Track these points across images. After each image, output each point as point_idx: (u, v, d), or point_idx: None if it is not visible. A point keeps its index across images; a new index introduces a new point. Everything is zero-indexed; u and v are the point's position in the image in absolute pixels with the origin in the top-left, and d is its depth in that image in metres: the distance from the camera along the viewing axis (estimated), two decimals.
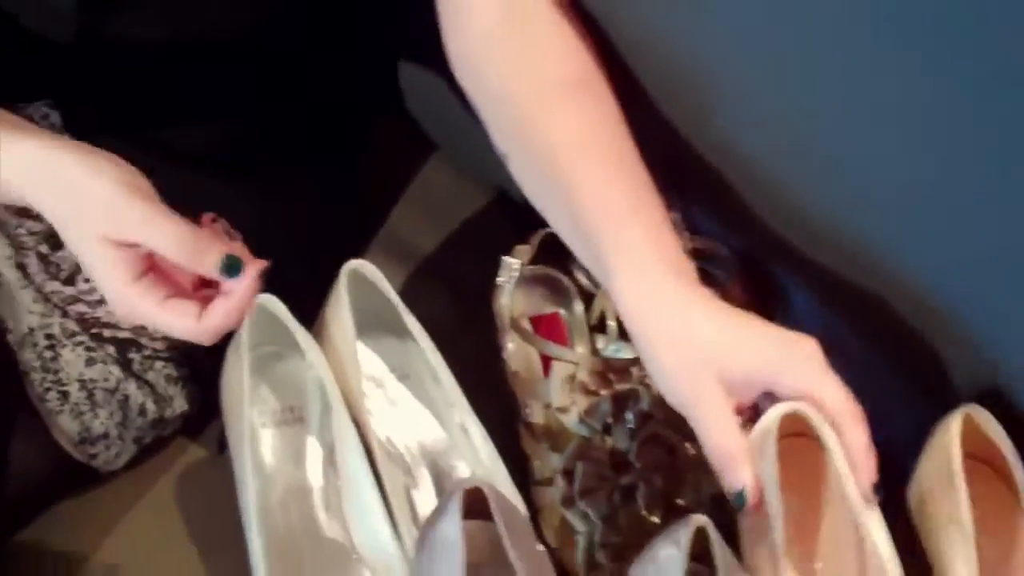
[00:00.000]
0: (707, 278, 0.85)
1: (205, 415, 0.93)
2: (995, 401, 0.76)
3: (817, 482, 0.78)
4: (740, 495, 0.73)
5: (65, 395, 0.87)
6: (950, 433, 0.75)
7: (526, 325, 0.94)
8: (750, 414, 0.76)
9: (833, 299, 0.86)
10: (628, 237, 0.76)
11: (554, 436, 0.85)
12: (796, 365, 0.73)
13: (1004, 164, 0.68)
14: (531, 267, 0.94)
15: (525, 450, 0.87)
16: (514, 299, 0.93)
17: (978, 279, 0.75)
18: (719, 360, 0.73)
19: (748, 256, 0.90)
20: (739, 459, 0.73)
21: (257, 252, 0.84)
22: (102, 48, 0.95)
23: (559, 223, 0.81)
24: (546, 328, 0.95)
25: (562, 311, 0.96)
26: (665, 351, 0.74)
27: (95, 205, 0.77)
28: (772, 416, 0.74)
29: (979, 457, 0.78)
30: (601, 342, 0.90)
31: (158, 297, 0.79)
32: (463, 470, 0.87)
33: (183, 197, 0.82)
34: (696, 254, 0.87)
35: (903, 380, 0.85)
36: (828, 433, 0.74)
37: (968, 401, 0.77)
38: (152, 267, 0.79)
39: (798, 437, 0.77)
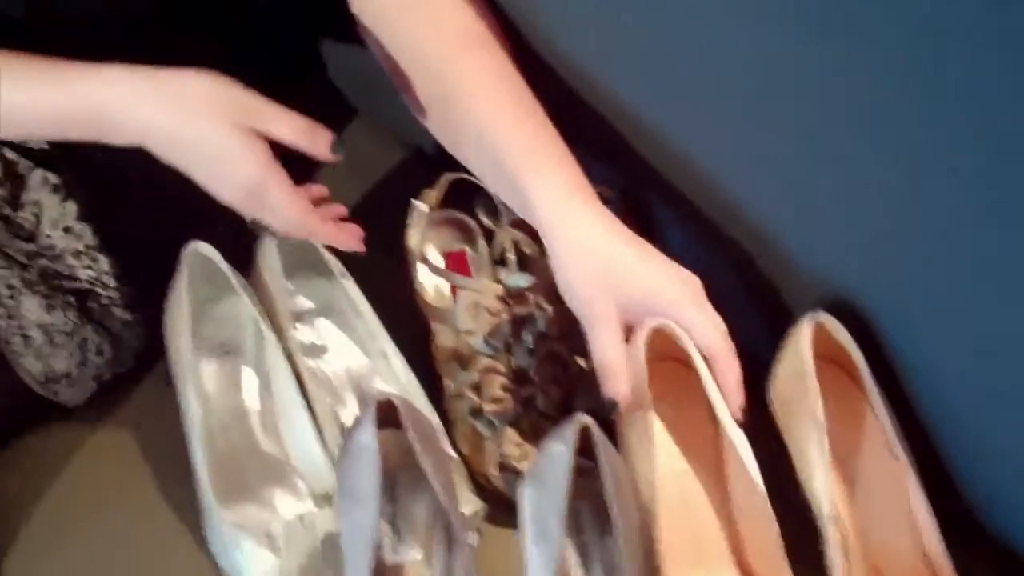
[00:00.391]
0: None
1: (157, 353, 1.00)
2: (840, 311, 0.86)
3: (692, 397, 0.88)
4: (614, 403, 0.84)
5: (27, 339, 0.94)
6: (802, 337, 0.85)
7: (436, 260, 1.03)
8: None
9: (704, 237, 0.95)
10: (544, 167, 0.86)
11: (462, 356, 0.94)
12: (681, 299, 0.84)
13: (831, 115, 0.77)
14: (440, 211, 1.03)
15: (438, 370, 0.96)
16: (425, 238, 1.02)
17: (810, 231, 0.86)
18: (617, 280, 0.83)
19: (631, 194, 0.99)
20: (619, 373, 0.83)
21: (189, 208, 0.94)
22: (52, 23, 0.99)
23: (479, 164, 0.90)
24: (454, 263, 1.04)
25: (468, 248, 1.05)
26: (574, 265, 0.84)
27: (220, 98, 0.86)
28: (646, 328, 0.85)
29: (828, 358, 0.87)
30: (503, 274, 0.99)
31: (286, 179, 0.88)
32: (383, 389, 0.96)
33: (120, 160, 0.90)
34: None
35: (757, 305, 0.95)
36: (694, 351, 0.84)
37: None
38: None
39: (674, 361, 0.88)
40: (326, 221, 0.92)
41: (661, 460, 0.87)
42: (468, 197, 1.03)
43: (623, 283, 0.84)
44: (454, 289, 1.00)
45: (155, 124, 0.86)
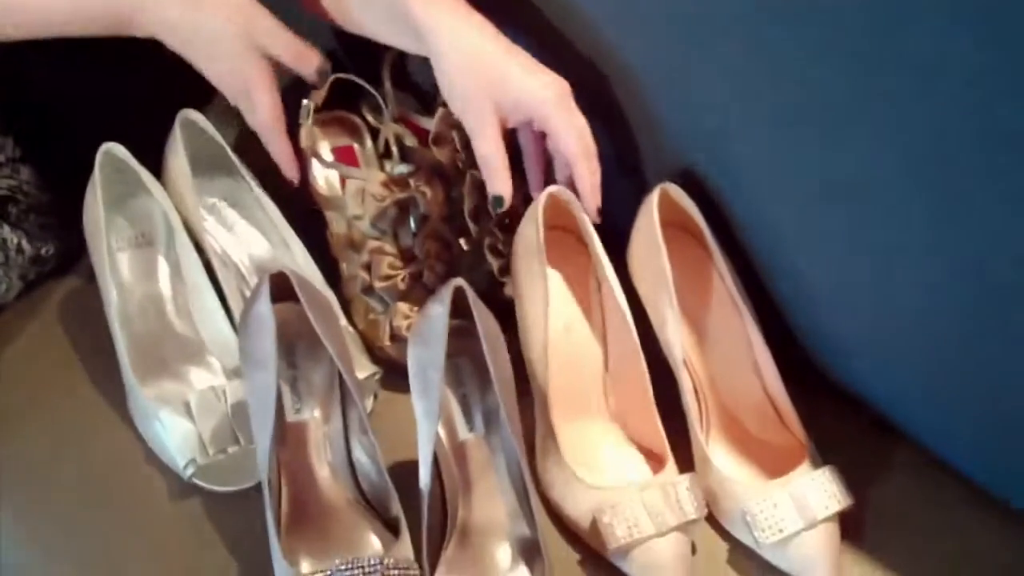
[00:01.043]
0: None
1: (79, 253, 1.07)
2: (685, 180, 0.95)
3: (578, 263, 1.00)
4: (499, 199, 0.94)
5: None
6: (652, 204, 0.94)
7: (326, 155, 1.12)
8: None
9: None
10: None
11: (354, 241, 1.02)
12: (550, 100, 0.92)
13: None
14: (329, 112, 1.12)
15: (334, 255, 1.05)
16: (316, 135, 1.11)
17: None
18: (497, 82, 0.92)
19: None
20: (502, 169, 0.94)
21: (100, 110, 1.01)
22: None
23: (376, 23, 0.99)
24: (342, 156, 1.13)
25: (355, 144, 1.14)
26: (459, 71, 0.93)
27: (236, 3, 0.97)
28: (543, 194, 0.96)
29: (677, 224, 0.96)
30: (388, 166, 1.08)
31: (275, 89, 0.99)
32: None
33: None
34: None
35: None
36: (583, 217, 0.95)
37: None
38: None
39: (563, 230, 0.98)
40: (287, 142, 1.02)
41: (553, 317, 0.96)
42: (354, 98, 1.12)
43: (502, 85, 0.92)
44: (343, 180, 1.08)
45: (179, 25, 0.97)
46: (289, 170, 1.03)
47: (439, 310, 0.87)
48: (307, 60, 1.01)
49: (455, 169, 1.01)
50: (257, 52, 0.98)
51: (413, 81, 1.14)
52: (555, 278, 0.99)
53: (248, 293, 1.03)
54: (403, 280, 1.00)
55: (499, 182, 0.94)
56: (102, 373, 1.01)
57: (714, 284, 0.97)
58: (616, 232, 0.98)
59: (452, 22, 0.93)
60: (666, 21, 0.88)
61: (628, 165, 1.01)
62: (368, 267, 1.01)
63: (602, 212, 0.95)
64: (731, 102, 0.87)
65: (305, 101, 1.04)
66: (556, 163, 0.97)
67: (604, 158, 0.95)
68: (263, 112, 1.00)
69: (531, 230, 0.95)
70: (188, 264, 1.02)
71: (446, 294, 0.87)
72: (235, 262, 1.05)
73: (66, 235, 1.08)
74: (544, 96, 0.92)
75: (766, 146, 0.86)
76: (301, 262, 1.03)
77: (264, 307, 0.87)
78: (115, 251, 1.03)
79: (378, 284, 1.00)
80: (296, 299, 0.88)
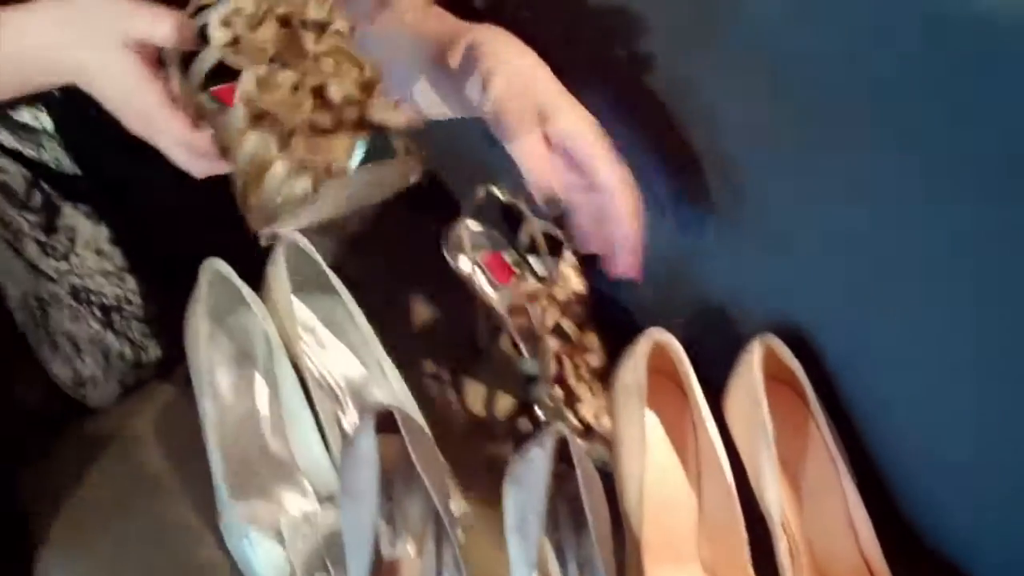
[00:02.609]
0: None
1: (177, 360, 1.07)
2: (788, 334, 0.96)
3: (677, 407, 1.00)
4: (556, 199, 0.91)
5: (55, 346, 1.03)
6: (753, 358, 0.95)
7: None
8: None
9: None
10: (466, 26, 0.94)
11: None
12: (598, 134, 0.91)
13: None
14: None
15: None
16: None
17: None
18: (547, 112, 0.90)
19: None
20: (549, 172, 0.91)
21: (204, 225, 1.01)
22: None
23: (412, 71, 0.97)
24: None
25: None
26: (511, 98, 0.90)
27: (106, 13, 0.85)
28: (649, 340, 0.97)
29: (777, 376, 0.97)
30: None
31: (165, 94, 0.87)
32: (380, 398, 1.05)
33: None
34: None
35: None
36: (686, 363, 0.95)
37: None
38: None
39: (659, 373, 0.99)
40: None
41: (650, 462, 0.96)
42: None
43: (552, 112, 0.91)
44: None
45: (78, 58, 0.87)
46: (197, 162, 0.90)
47: (541, 455, 0.88)
48: (166, 22, 0.85)
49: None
50: (135, 53, 0.86)
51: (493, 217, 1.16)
52: (651, 420, 1.00)
53: (342, 416, 1.04)
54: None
55: (549, 186, 0.90)
56: (194, 482, 1.01)
57: (811, 439, 0.97)
58: (707, 371, 0.98)
59: (506, 47, 0.92)
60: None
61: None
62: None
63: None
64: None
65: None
66: (582, 203, 0.94)
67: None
68: (172, 125, 0.87)
69: (631, 374, 0.96)
70: (285, 384, 1.02)
71: (549, 440, 0.88)
72: (330, 384, 1.06)
73: (167, 344, 1.09)
74: (590, 127, 0.91)
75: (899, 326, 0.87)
76: (395, 387, 1.04)
77: (368, 443, 0.88)
78: (215, 366, 1.04)
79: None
80: (396, 430, 0.89)
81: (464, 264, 1.11)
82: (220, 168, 0.89)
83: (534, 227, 1.10)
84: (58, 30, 0.86)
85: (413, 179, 0.94)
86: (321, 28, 0.86)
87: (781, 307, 0.97)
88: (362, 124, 0.86)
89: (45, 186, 1.07)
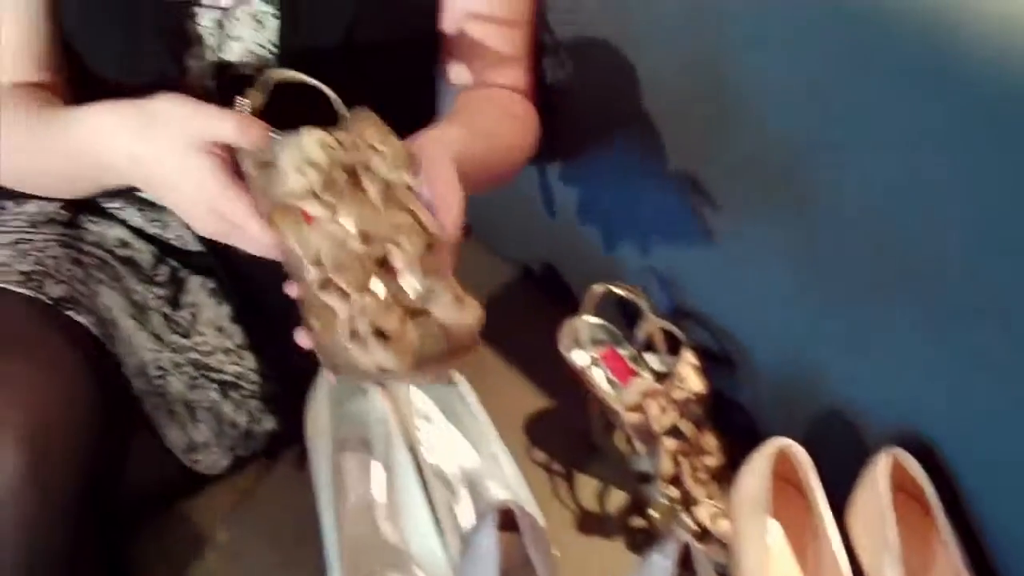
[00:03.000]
0: None
1: (287, 437, 1.09)
2: (915, 445, 0.95)
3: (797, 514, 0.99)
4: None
5: (172, 414, 1.03)
6: (879, 469, 0.94)
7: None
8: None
9: None
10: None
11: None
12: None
13: None
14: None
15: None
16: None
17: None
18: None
19: None
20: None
21: None
22: None
23: None
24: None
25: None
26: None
27: (174, 115, 0.87)
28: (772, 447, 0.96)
29: (902, 487, 0.95)
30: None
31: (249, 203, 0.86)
32: (495, 489, 1.05)
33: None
34: None
35: None
36: (810, 470, 0.94)
37: None
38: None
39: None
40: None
41: (771, 571, 0.96)
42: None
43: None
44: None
45: (133, 154, 0.89)
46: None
47: (663, 561, 0.87)
48: (247, 129, 0.87)
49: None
50: (211, 155, 0.87)
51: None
52: (773, 527, 0.99)
53: (455, 505, 1.04)
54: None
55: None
56: (305, 564, 1.01)
57: (937, 555, 0.95)
58: (830, 478, 0.97)
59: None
60: None
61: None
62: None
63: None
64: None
65: (240, 101, 0.91)
66: None
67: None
68: (252, 226, 0.86)
69: (755, 481, 0.95)
70: (402, 472, 1.03)
71: (671, 548, 0.87)
72: (445, 473, 1.06)
73: (282, 418, 1.10)
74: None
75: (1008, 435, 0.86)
76: (510, 477, 1.04)
77: (490, 540, 0.89)
78: (333, 450, 1.05)
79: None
80: (514, 527, 0.89)
81: (580, 358, 1.11)
82: None
83: (653, 324, 1.10)
84: (130, 134, 0.89)
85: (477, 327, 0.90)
86: (387, 183, 0.86)
87: (909, 417, 0.96)
88: (425, 314, 0.83)
89: (172, 261, 1.09)
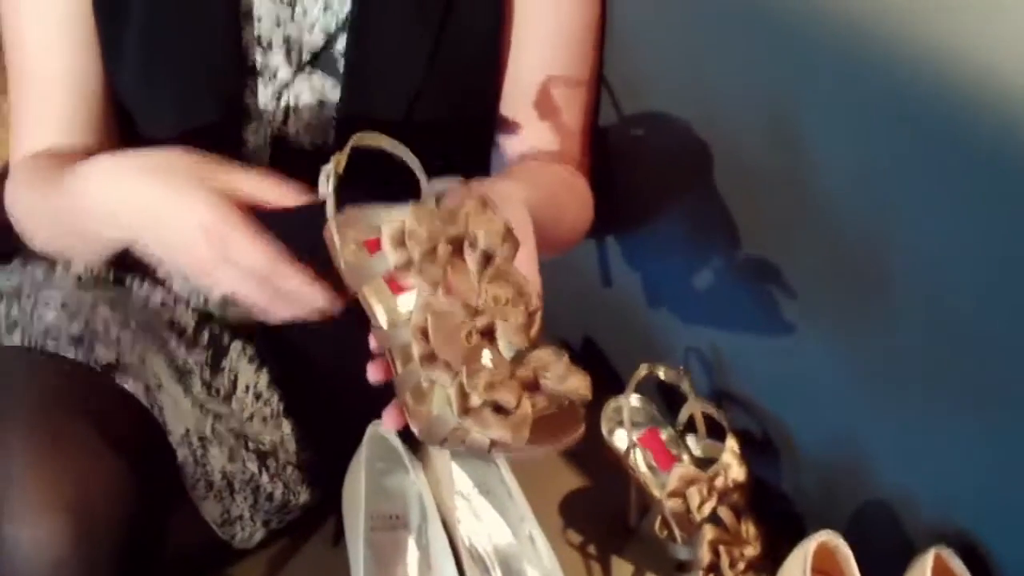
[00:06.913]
0: None
1: (322, 510, 1.09)
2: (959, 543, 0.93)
3: None
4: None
5: (210, 484, 1.03)
6: (925, 568, 0.92)
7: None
8: None
9: None
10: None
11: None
12: None
13: None
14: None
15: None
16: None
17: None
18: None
19: None
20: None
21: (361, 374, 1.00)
22: None
23: None
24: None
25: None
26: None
27: (179, 162, 0.88)
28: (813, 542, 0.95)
29: None
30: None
31: (248, 223, 0.84)
32: (530, 572, 1.03)
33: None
34: None
35: None
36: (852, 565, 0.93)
37: None
38: None
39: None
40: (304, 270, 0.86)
41: None
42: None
43: None
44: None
45: (128, 199, 0.89)
46: (323, 300, 0.87)
47: None
48: (277, 186, 0.87)
49: None
50: (213, 190, 0.85)
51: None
52: None
53: None
54: None
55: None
56: None
57: None
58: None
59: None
60: None
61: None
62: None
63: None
64: None
65: (325, 168, 0.86)
66: None
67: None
68: (251, 253, 0.84)
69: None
70: (437, 553, 1.01)
71: None
72: (480, 554, 1.05)
73: (318, 490, 1.09)
74: None
75: None
76: (545, 561, 1.02)
77: None
78: (369, 527, 1.04)
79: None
80: None
81: (620, 440, 1.10)
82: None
83: (696, 408, 1.09)
84: (128, 174, 0.90)
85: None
86: (487, 256, 0.83)
87: (956, 513, 0.94)
88: (536, 386, 0.81)
89: (214, 327, 1.09)
